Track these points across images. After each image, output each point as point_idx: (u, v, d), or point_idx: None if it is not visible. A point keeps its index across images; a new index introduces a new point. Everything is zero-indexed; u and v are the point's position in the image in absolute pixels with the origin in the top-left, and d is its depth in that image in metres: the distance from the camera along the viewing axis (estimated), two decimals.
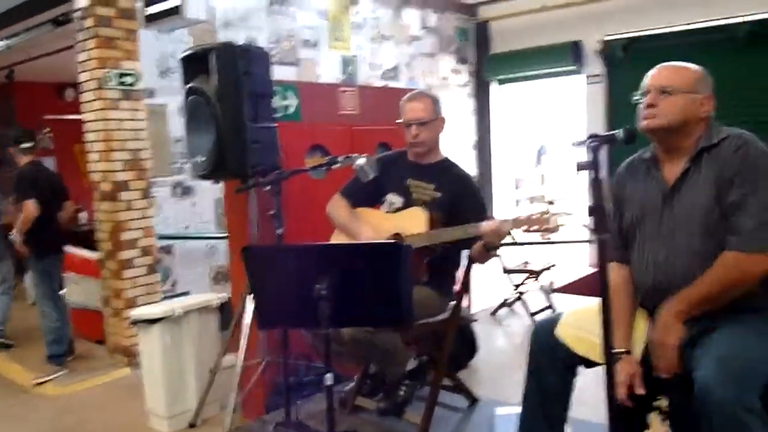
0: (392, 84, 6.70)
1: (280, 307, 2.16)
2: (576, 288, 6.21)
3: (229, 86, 2.92)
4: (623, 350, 1.93)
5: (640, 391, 1.85)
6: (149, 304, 4.24)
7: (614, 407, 1.61)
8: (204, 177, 3.13)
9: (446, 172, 2.84)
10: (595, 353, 2.00)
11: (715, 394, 1.58)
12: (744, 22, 5.64)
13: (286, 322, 2.23)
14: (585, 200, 1.46)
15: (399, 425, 2.68)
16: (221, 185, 5.10)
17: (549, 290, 5.69)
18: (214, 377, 3.50)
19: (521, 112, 8.23)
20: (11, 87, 8.59)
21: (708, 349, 1.73)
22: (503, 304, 5.80)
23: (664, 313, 1.87)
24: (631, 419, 1.93)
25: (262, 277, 2.12)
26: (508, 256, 5.70)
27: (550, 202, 2.32)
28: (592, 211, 1.39)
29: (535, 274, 5.63)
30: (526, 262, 5.82)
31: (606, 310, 1.50)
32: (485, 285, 6.14)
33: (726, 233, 1.84)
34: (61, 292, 4.88)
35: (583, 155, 1.51)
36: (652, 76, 2.00)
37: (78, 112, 4.78)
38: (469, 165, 7.74)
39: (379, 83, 6.54)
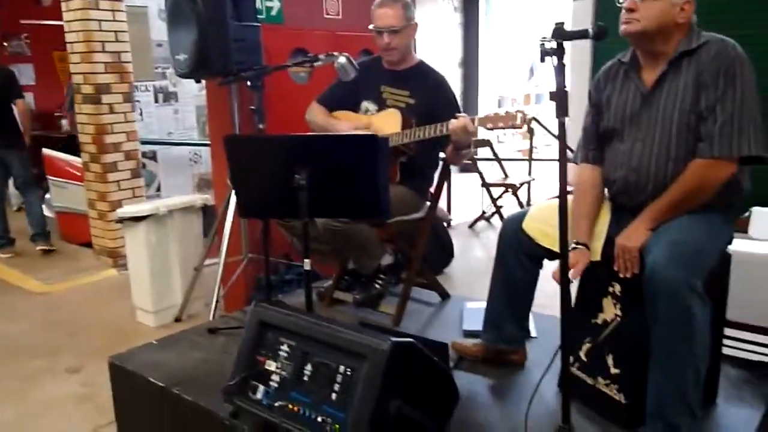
0: None
1: (261, 197, 2.25)
2: None
3: None
4: (581, 243, 2.05)
5: (575, 278, 1.97)
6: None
7: (567, 296, 1.73)
8: (186, 75, 3.15)
9: (420, 77, 2.84)
10: (557, 245, 2.13)
11: (662, 274, 1.70)
12: None
13: (266, 211, 2.32)
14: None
15: (374, 316, 2.82)
16: (203, 91, 5.12)
17: (526, 204, 5.85)
18: (197, 275, 3.65)
19: (510, 26, 8.14)
20: None
21: (660, 235, 1.85)
22: (481, 217, 5.97)
23: (636, 222, 1.95)
24: (588, 303, 2.07)
25: (243, 167, 2.19)
26: (487, 170, 5.82)
27: (532, 118, 2.38)
28: (554, 95, 1.46)
29: (513, 188, 5.76)
30: (506, 176, 5.94)
31: (563, 196, 1.60)
32: (465, 198, 6.28)
33: (697, 139, 1.90)
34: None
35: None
36: None
37: (57, 19, 4.70)
38: (454, 83, 7.71)
39: None
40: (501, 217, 5.67)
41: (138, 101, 4.83)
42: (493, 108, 8.23)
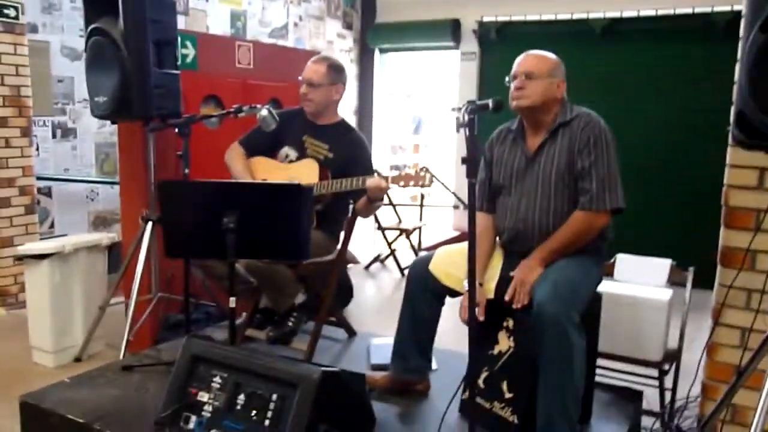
0: (280, 43, 6.84)
1: (190, 239, 2.39)
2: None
3: (137, 31, 3.02)
4: (478, 282, 2.35)
5: (481, 318, 2.27)
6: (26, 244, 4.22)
7: (474, 326, 2.01)
8: (104, 117, 3.22)
9: (341, 134, 3.09)
10: (459, 285, 2.44)
11: (547, 309, 2.04)
12: (601, 18, 6.39)
13: (195, 252, 2.46)
14: (454, 167, 1.81)
15: (287, 352, 2.97)
16: (103, 128, 5.12)
17: (417, 248, 6.20)
18: (102, 314, 3.63)
19: (402, 81, 8.65)
20: None
21: (543, 277, 2.20)
22: (376, 259, 6.25)
23: (529, 259, 2.30)
24: (485, 337, 2.36)
25: (174, 210, 2.33)
26: (382, 215, 6.13)
27: (424, 168, 2.71)
28: (466, 160, 1.76)
29: (406, 232, 6.10)
30: (400, 221, 6.28)
31: (472, 245, 1.87)
32: (361, 241, 6.55)
33: (575, 195, 2.31)
34: None
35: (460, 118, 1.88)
36: (519, 63, 2.42)
37: None
38: None
39: (268, 41, 6.66)
40: (395, 259, 5.98)
41: (35, 136, 4.73)
42: (387, 155, 8.68)
